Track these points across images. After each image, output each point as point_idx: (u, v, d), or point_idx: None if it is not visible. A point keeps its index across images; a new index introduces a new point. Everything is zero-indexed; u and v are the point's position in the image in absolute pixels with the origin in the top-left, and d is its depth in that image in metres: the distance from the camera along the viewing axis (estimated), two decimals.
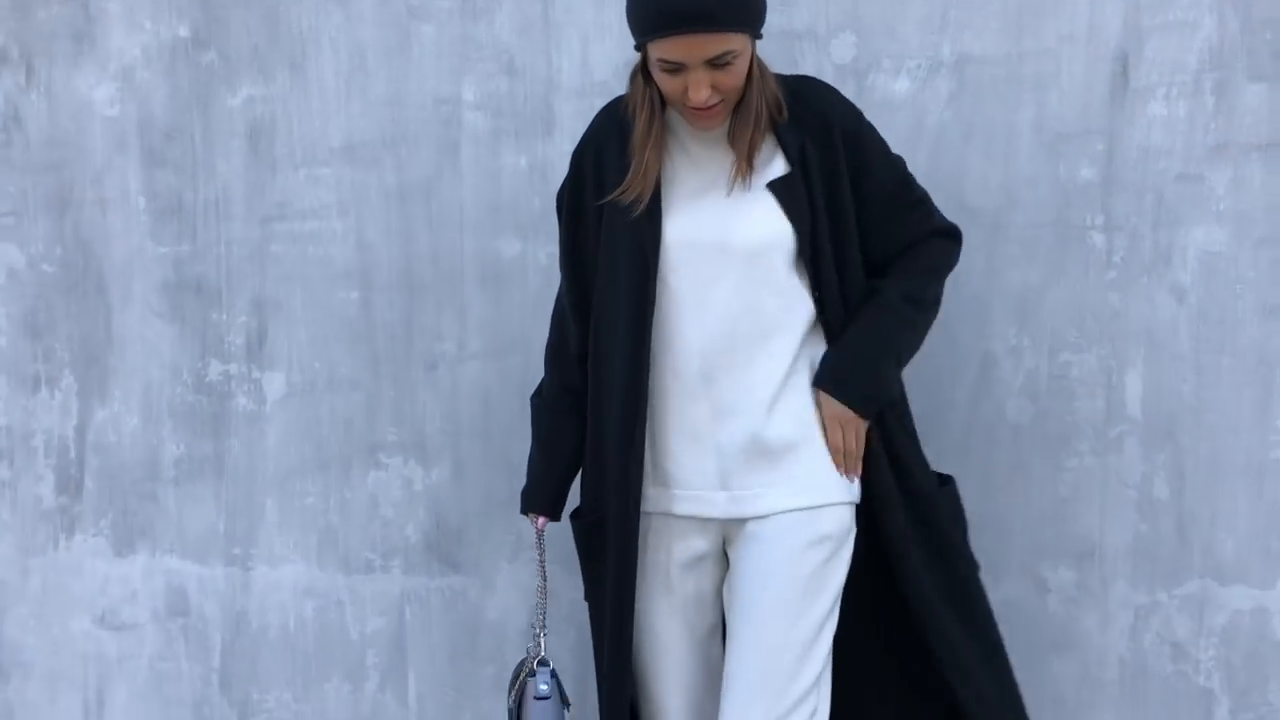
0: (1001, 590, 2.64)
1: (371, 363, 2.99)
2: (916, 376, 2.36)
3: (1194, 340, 2.59)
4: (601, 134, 2.31)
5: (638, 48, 2.15)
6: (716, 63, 2.06)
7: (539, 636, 2.41)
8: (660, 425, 2.23)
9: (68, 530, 3.20)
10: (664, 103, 2.20)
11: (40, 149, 3.14)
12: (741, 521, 2.22)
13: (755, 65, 2.15)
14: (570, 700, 2.42)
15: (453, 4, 2.88)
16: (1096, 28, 2.59)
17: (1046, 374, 2.65)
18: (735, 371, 2.18)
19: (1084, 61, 2.60)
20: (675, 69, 2.08)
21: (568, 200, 2.35)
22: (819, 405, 2.22)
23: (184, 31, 3.03)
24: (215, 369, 3.08)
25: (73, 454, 3.18)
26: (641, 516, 2.25)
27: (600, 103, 2.66)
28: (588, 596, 2.38)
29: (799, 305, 2.21)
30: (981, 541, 2.63)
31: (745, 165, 2.17)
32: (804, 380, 2.22)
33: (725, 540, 2.29)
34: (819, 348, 2.24)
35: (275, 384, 3.05)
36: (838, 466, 2.22)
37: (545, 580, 2.44)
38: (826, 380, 2.21)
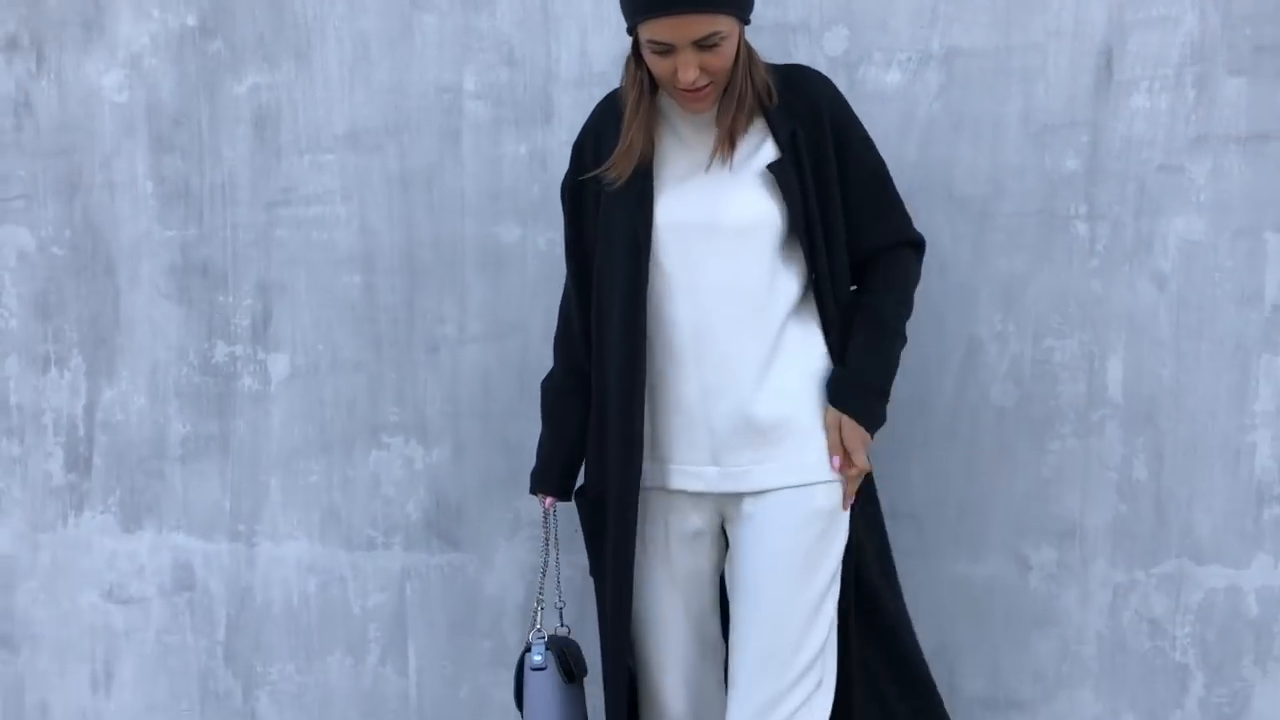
0: (985, 568, 2.70)
1: (374, 345, 3.00)
2: (904, 360, 2.38)
3: (1174, 326, 2.60)
4: (601, 123, 2.34)
5: (630, 31, 2.18)
6: (704, 44, 2.10)
7: (537, 612, 2.45)
8: (656, 403, 2.27)
9: (76, 507, 3.21)
10: (655, 86, 2.24)
11: (50, 134, 3.14)
12: (738, 500, 2.25)
13: (743, 49, 2.18)
14: (578, 673, 2.43)
15: None
16: (1082, 22, 2.59)
17: (1030, 359, 2.66)
18: (722, 351, 2.21)
19: (1069, 55, 2.60)
20: (664, 50, 2.11)
21: (570, 189, 2.39)
22: (837, 426, 2.25)
23: (191, 20, 3.03)
24: (221, 350, 3.09)
25: (81, 432, 3.18)
26: (642, 491, 2.28)
27: (598, 93, 2.68)
28: (592, 571, 2.41)
29: (786, 286, 2.24)
30: (966, 521, 2.70)
31: (727, 144, 2.21)
32: (790, 359, 2.24)
33: (724, 520, 2.32)
34: (804, 326, 2.27)
35: (280, 365, 3.06)
36: (848, 484, 2.27)
37: (548, 557, 2.47)
38: (852, 408, 2.25)
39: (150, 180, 3.10)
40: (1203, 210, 2.58)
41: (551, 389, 2.48)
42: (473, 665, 3.02)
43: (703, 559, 2.35)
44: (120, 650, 3.23)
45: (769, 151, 2.23)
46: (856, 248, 2.30)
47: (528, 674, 2.40)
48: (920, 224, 2.44)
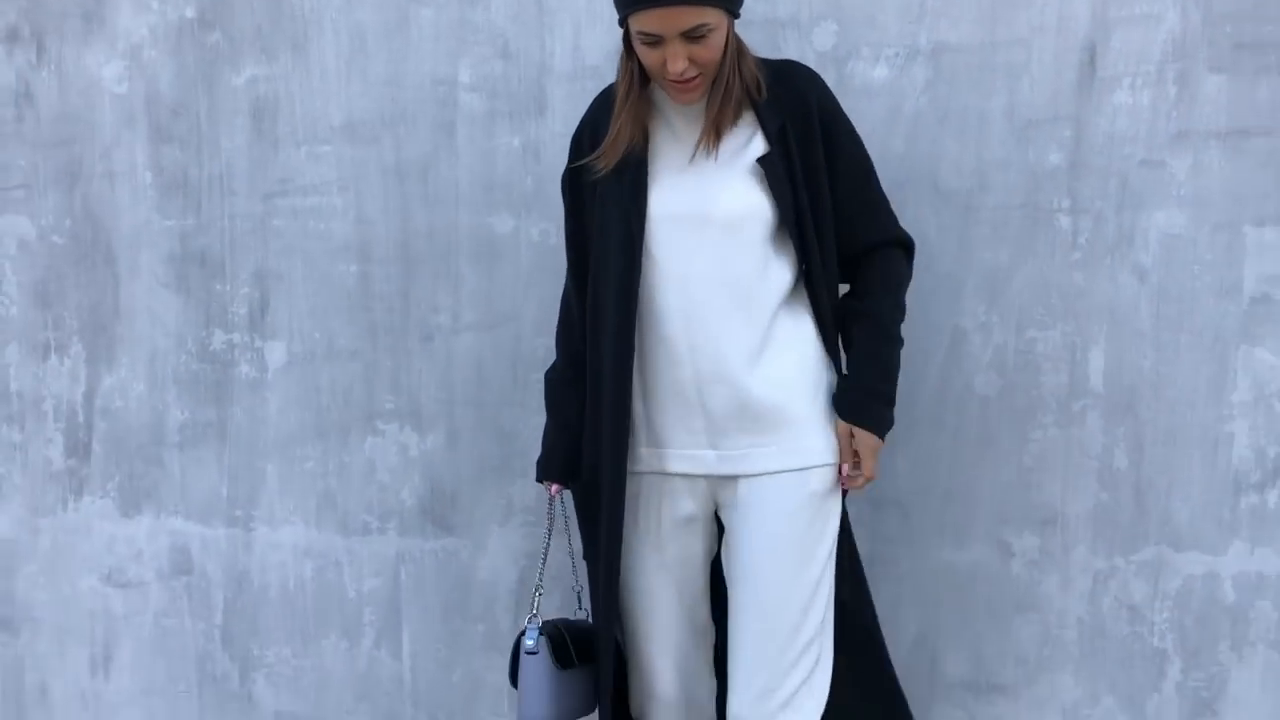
0: (968, 555, 2.72)
1: (369, 333, 3.01)
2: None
3: (1154, 318, 2.62)
4: (598, 115, 2.37)
5: (621, 23, 2.21)
6: (692, 35, 2.12)
7: (536, 596, 2.48)
8: (653, 390, 2.29)
9: (76, 492, 3.21)
10: (647, 79, 2.26)
11: (51, 124, 3.14)
12: (732, 483, 2.27)
13: (731, 42, 2.20)
14: (574, 660, 2.42)
15: None
16: (1066, 19, 2.61)
17: (1014, 349, 2.68)
18: (714, 339, 2.23)
19: (1053, 51, 2.62)
20: (653, 41, 2.14)
21: (568, 180, 2.41)
22: (849, 435, 2.28)
23: (190, 12, 3.03)
24: (219, 338, 3.09)
25: (81, 419, 3.19)
26: (635, 476, 2.31)
27: (591, 86, 2.72)
28: (586, 555, 2.43)
29: (775, 275, 2.26)
30: (950, 509, 2.72)
31: (713, 136, 2.23)
32: (782, 346, 2.26)
33: (717, 506, 2.34)
34: (795, 315, 2.29)
35: (276, 353, 3.07)
36: (851, 484, 2.31)
37: (549, 544, 2.49)
38: (859, 418, 2.28)
39: (149, 170, 3.10)
40: (1183, 204, 2.60)
41: (554, 379, 2.50)
42: (466, 649, 3.04)
43: (695, 544, 2.37)
44: (119, 633, 3.23)
45: (759, 145, 2.25)
46: (849, 241, 2.32)
47: (522, 657, 2.43)
48: (906, 217, 2.46)
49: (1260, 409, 2.60)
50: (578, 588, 2.54)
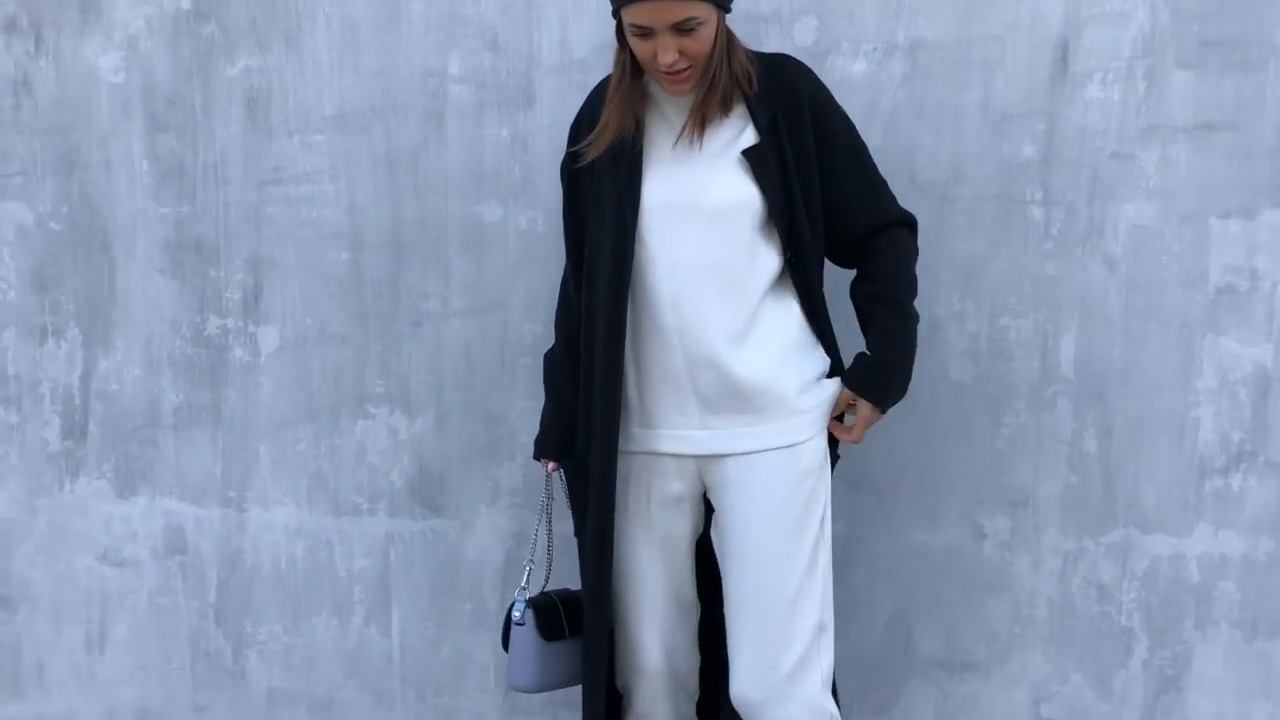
0: (942, 536, 2.77)
1: (360, 319, 3.03)
2: (841, 343, 2.44)
3: (1123, 307, 2.66)
4: (595, 106, 2.40)
5: (614, 14, 2.24)
6: (682, 28, 2.17)
7: (527, 570, 2.53)
8: (646, 373, 2.33)
9: (72, 473, 3.23)
10: (640, 70, 2.30)
11: (48, 113, 3.14)
12: (720, 462, 2.31)
13: (721, 36, 2.24)
14: (561, 632, 2.48)
15: None
16: (1039, 17, 2.64)
17: (987, 337, 2.72)
18: (701, 323, 2.27)
19: (1027, 48, 2.65)
20: (645, 33, 2.18)
21: (567, 168, 2.45)
22: (849, 400, 2.35)
23: (185, 4, 3.03)
24: (213, 323, 3.12)
25: (78, 401, 3.20)
26: (627, 456, 2.34)
27: (578, 79, 2.75)
28: (577, 533, 2.46)
29: (762, 262, 2.30)
30: (924, 491, 2.76)
31: (697, 125, 2.27)
32: (768, 332, 2.30)
33: (706, 488, 2.38)
34: (781, 301, 2.33)
35: (269, 338, 3.09)
36: (835, 430, 2.37)
37: (541, 520, 2.54)
38: (870, 392, 2.34)
39: (145, 159, 3.11)
40: (1152, 197, 2.63)
41: (552, 360, 2.54)
42: (454, 627, 3.07)
43: (683, 524, 2.41)
44: (114, 611, 3.26)
45: (749, 137, 2.29)
46: (853, 225, 2.36)
47: (512, 628, 2.48)
48: None
49: (1225, 395, 2.65)
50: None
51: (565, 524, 2.62)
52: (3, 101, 3.18)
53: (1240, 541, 2.67)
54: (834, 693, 2.37)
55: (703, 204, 2.27)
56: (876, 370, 2.34)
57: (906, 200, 2.69)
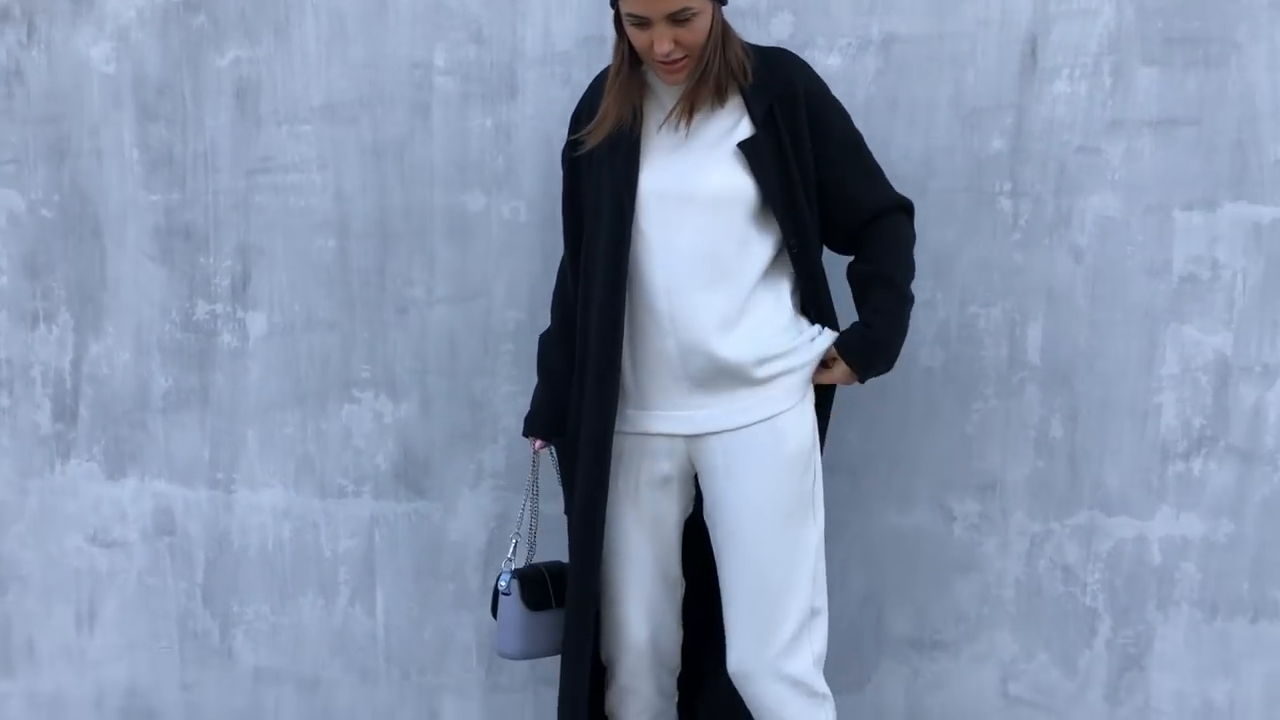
0: (913, 519, 2.81)
1: (347, 305, 3.05)
2: (842, 325, 2.47)
3: (1089, 296, 2.70)
4: (596, 95, 2.44)
5: (612, 4, 2.28)
6: (678, 18, 2.20)
7: (514, 544, 2.57)
8: (640, 356, 2.36)
9: (63, 455, 3.26)
10: (638, 60, 2.34)
11: (40, 102, 3.16)
12: (708, 442, 2.34)
13: (716, 27, 2.28)
14: (545, 603, 2.51)
15: None
16: (1009, 13, 2.67)
17: (957, 324, 2.76)
18: (693, 309, 2.30)
19: (997, 43, 2.68)
20: (641, 23, 2.22)
21: (567, 155, 2.49)
22: (833, 358, 2.39)
23: None
24: (202, 309, 3.14)
25: (68, 385, 3.23)
26: (620, 437, 2.37)
27: (561, 71, 2.77)
28: (567, 511, 2.48)
29: (755, 252, 2.33)
30: (896, 475, 2.80)
31: (685, 110, 2.31)
32: (760, 318, 2.33)
33: (696, 470, 2.41)
34: (774, 289, 2.36)
35: (257, 323, 3.11)
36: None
37: (528, 496, 2.58)
38: (855, 360, 2.37)
39: (136, 148, 3.13)
40: (1117, 189, 2.67)
41: (546, 342, 2.57)
42: (437, 607, 3.10)
43: (671, 504, 2.45)
44: (103, 591, 3.28)
45: (745, 129, 2.32)
46: (852, 212, 2.39)
47: (499, 597, 2.53)
48: None
49: (1186, 382, 2.69)
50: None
51: (549, 503, 2.67)
52: None
53: (1201, 524, 2.72)
54: None
55: (698, 193, 2.31)
56: (869, 343, 2.38)
57: None
